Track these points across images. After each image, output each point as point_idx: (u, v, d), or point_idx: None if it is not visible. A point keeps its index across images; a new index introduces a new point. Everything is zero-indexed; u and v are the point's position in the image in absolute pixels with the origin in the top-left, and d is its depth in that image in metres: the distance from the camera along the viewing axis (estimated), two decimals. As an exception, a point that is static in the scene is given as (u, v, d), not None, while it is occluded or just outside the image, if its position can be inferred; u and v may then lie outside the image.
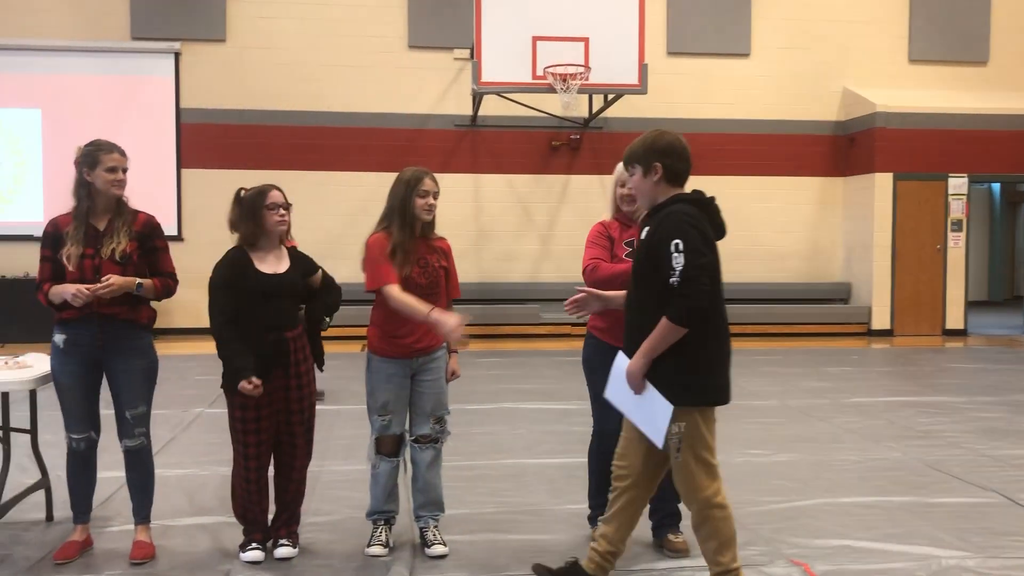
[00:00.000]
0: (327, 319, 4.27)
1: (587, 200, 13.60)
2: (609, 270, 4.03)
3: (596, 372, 4.09)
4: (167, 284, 4.10)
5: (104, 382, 4.09)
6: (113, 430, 4.09)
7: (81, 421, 4.04)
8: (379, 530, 4.21)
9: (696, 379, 3.30)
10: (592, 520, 4.28)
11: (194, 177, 12.96)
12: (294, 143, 13.05)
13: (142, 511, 4.16)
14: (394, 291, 3.98)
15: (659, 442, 3.32)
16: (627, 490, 3.53)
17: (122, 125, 12.27)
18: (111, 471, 4.75)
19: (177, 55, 12.89)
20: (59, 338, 4.00)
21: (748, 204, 13.73)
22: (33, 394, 4.48)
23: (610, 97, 11.84)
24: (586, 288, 3.83)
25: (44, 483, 4.61)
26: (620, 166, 4.22)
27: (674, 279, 3.19)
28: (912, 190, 13.40)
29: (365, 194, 12.61)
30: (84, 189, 3.98)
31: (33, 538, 4.33)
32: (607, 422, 4.18)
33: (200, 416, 7.24)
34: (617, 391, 3.47)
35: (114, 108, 12.64)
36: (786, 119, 13.96)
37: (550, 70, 10.79)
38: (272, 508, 4.19)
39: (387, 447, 4.18)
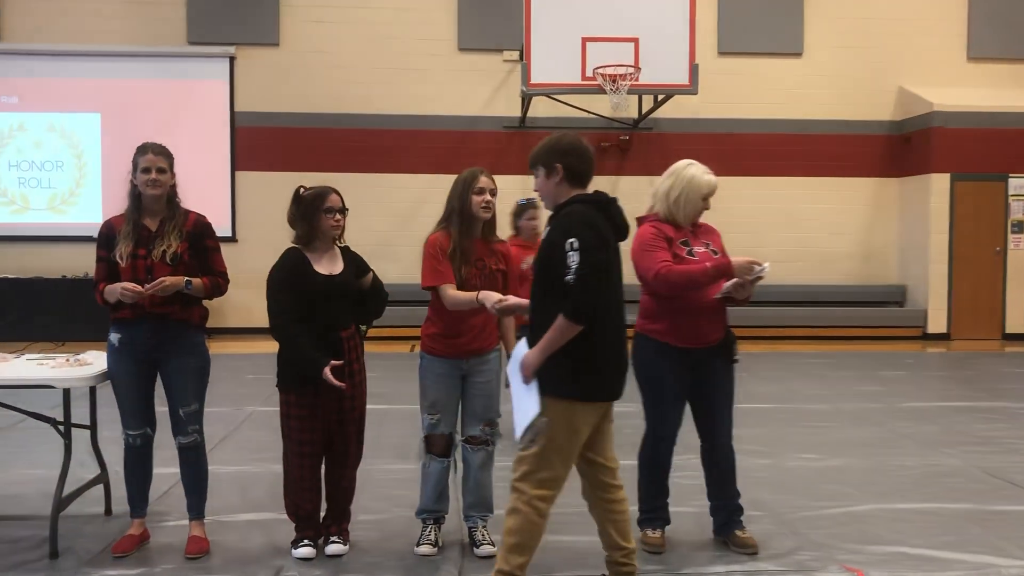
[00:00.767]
0: (363, 327, 4.29)
1: (636, 201, 13.24)
2: (684, 273, 3.95)
3: (659, 377, 4.06)
4: (217, 283, 4.17)
5: (159, 380, 4.18)
6: (168, 427, 4.18)
7: (136, 418, 4.14)
8: (428, 529, 4.24)
9: (577, 375, 3.32)
10: (641, 524, 4.26)
11: (248, 179, 13.17)
12: (345, 146, 13.19)
13: (196, 507, 4.24)
14: (448, 290, 4.02)
15: (518, 434, 3.38)
16: (587, 499, 3.63)
17: (178, 128, 12.52)
18: (167, 467, 4.84)
19: (232, 59, 13.11)
20: (114, 337, 4.10)
21: (800, 205, 13.54)
22: (93, 391, 4.59)
23: (660, 98, 11.76)
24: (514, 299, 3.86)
25: (103, 478, 4.73)
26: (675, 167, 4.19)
27: (569, 277, 3.23)
28: (970, 191, 13.09)
29: (415, 196, 12.72)
30: (133, 191, 4.10)
31: (93, 531, 4.44)
32: (665, 428, 4.14)
33: (252, 414, 7.35)
34: (513, 374, 3.49)
35: (170, 111, 12.89)
36: (839, 119, 13.73)
37: (600, 71, 10.74)
38: (323, 506, 4.23)
39: (437, 447, 4.20)
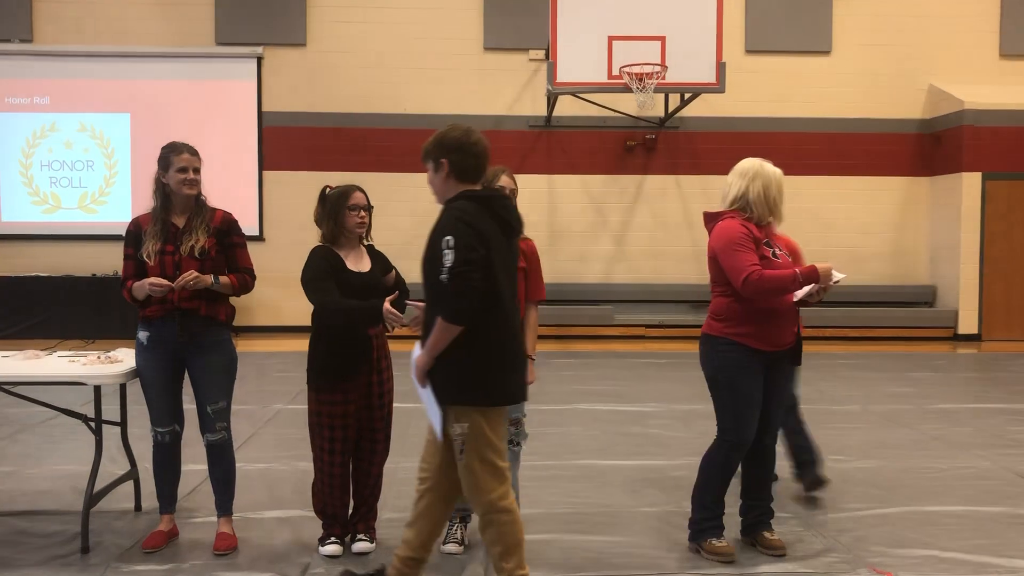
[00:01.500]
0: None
1: (662, 201, 13.47)
2: (776, 279, 3.84)
3: (745, 382, 3.95)
4: (244, 280, 4.20)
5: (187, 378, 4.22)
6: (197, 424, 4.21)
7: (165, 415, 4.18)
8: (455, 528, 4.24)
9: (477, 379, 3.23)
10: (702, 533, 4.11)
11: (275, 179, 13.26)
12: (371, 145, 13.25)
13: (224, 504, 4.27)
14: None
15: (438, 436, 3.32)
16: (427, 492, 3.49)
17: (206, 128, 12.65)
18: (195, 464, 4.88)
19: (259, 60, 13.21)
20: (143, 335, 4.13)
21: (828, 204, 13.43)
22: (123, 388, 4.63)
23: (687, 96, 11.70)
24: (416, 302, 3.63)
25: (133, 474, 4.77)
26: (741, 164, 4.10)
27: (443, 275, 3.14)
28: (1002, 190, 12.91)
29: (440, 195, 12.73)
30: (161, 189, 4.12)
31: (123, 527, 4.49)
32: (747, 434, 4.01)
33: (280, 412, 7.39)
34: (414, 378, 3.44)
35: (199, 112, 13.02)
36: (868, 117, 13.60)
37: (626, 70, 10.71)
38: (351, 503, 4.25)
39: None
